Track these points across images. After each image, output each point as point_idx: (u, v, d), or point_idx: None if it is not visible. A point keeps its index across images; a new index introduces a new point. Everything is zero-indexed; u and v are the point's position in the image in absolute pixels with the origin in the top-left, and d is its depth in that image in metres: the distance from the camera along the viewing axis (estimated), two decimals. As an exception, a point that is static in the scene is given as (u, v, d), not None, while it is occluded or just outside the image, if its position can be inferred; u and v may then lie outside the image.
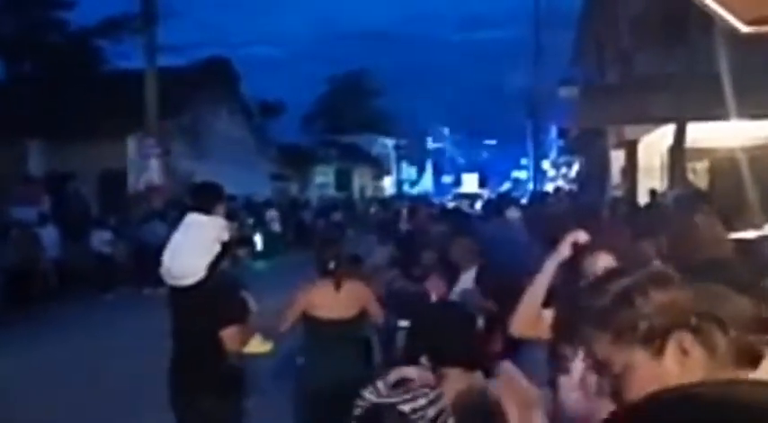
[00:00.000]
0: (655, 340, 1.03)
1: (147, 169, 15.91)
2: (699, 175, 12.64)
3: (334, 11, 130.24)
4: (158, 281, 3.65)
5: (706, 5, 1.95)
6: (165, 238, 3.67)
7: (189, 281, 3.29)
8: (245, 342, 3.48)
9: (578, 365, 1.93)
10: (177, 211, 14.24)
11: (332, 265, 3.89)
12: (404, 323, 4.23)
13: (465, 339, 2.28)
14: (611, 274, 1.17)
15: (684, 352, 1.02)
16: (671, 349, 1.03)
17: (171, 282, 3.35)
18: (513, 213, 6.09)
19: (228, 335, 3.34)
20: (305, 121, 43.91)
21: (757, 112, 9.61)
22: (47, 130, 16.78)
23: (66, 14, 20.47)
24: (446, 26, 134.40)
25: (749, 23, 1.97)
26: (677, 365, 1.02)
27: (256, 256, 17.36)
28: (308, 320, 3.82)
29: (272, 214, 19.90)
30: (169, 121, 16.90)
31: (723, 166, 11.76)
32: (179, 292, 3.34)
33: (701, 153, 12.04)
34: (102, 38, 20.11)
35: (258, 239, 17.57)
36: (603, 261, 2.43)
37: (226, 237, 3.47)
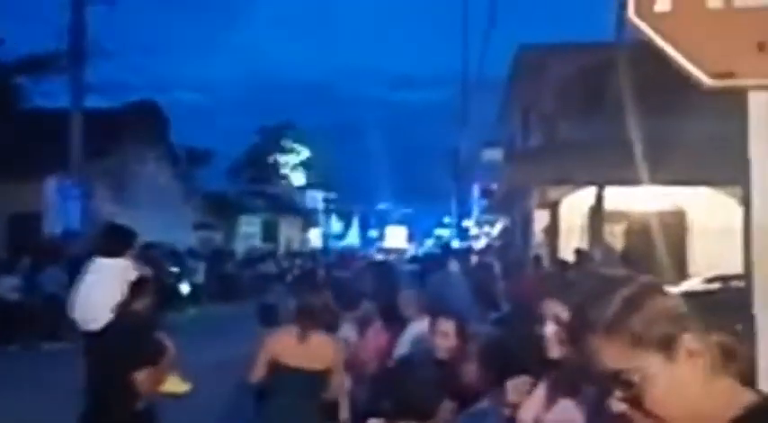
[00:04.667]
0: (669, 344, 1.05)
1: (66, 212, 15.19)
2: (616, 236, 13.35)
3: (264, 61, 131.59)
4: (56, 334, 3.60)
5: (669, 56, 2.11)
6: (64, 287, 3.64)
7: (98, 325, 3.21)
8: (158, 383, 3.36)
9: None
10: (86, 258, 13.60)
11: (303, 314, 3.76)
12: None
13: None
14: (606, 285, 1.15)
15: (691, 354, 1.06)
16: (681, 353, 1.06)
17: (82, 327, 3.26)
18: (453, 266, 6.24)
19: (140, 378, 3.24)
20: (232, 171, 43.44)
21: (668, 179, 10.36)
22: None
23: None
24: (375, 83, 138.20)
25: (713, 77, 2.13)
26: (688, 368, 1.05)
27: (180, 306, 16.74)
28: (273, 365, 3.67)
29: (194, 264, 19.33)
30: (93, 163, 16.33)
31: (637, 228, 12.50)
32: (91, 338, 3.25)
33: (618, 215, 12.75)
34: (25, 75, 19.42)
35: (185, 289, 16.98)
36: (555, 308, 2.55)
37: (132, 276, 3.42)
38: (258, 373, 3.66)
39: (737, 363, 1.10)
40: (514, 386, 2.08)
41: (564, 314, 2.01)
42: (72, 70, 16.16)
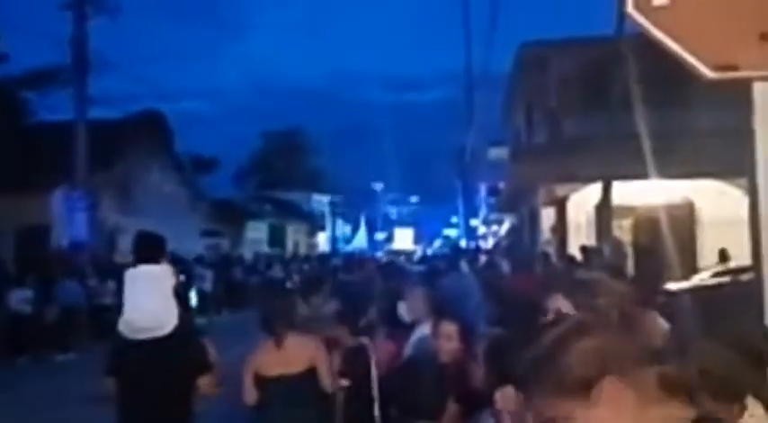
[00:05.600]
0: (588, 388, 1.05)
1: (72, 224, 15.26)
2: (624, 231, 13.29)
3: (267, 68, 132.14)
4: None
5: (670, 50, 2.08)
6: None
7: (163, 331, 3.26)
8: (215, 386, 3.50)
9: None
10: (97, 269, 13.76)
11: (273, 322, 3.76)
12: (344, 383, 4.10)
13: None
14: (547, 327, 1.19)
15: (616, 397, 1.05)
16: (604, 397, 1.05)
17: (139, 336, 3.28)
18: (465, 268, 6.23)
19: (205, 381, 3.39)
20: (238, 177, 43.60)
21: (675, 172, 10.30)
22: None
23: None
24: (379, 86, 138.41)
25: (716, 69, 2.11)
26: (610, 410, 1.05)
27: (190, 314, 16.78)
28: (256, 380, 3.70)
29: (202, 272, 19.37)
30: (98, 174, 16.40)
31: (645, 222, 12.44)
32: (143, 345, 3.27)
33: (626, 210, 12.69)
34: (30, 90, 19.53)
35: (193, 296, 17.03)
36: (558, 302, 2.55)
37: (174, 280, 3.52)
38: (250, 394, 3.69)
39: (684, 390, 1.11)
40: (502, 394, 2.06)
41: (565, 308, 2.00)
42: (76, 82, 16.25)
